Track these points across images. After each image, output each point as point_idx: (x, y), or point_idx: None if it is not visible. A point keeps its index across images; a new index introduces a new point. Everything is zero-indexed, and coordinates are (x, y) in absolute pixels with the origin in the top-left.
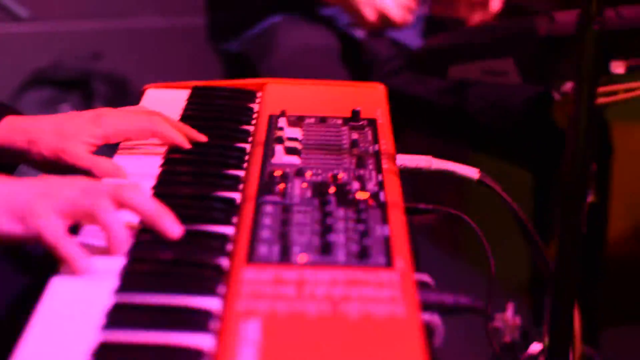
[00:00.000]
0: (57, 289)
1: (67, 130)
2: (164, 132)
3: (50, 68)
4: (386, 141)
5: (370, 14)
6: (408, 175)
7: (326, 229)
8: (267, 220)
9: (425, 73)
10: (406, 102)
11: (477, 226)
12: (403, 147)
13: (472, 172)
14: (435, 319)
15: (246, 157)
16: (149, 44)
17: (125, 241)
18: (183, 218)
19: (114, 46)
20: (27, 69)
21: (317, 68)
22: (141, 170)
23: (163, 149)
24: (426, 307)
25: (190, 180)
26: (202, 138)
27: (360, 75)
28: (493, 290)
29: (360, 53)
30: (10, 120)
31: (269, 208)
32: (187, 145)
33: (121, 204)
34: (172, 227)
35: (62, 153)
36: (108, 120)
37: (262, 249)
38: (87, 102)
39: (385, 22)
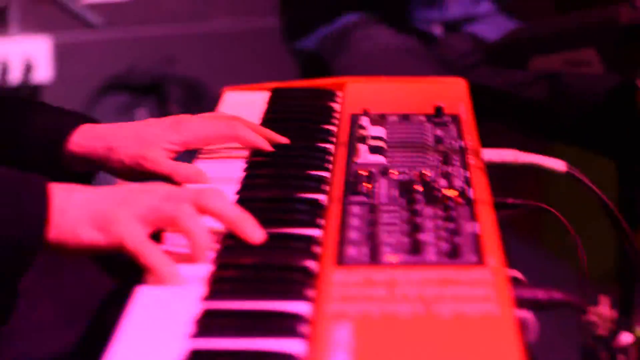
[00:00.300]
0: (143, 298)
1: (147, 137)
2: (245, 136)
3: (125, 74)
4: (471, 137)
5: None
6: (491, 170)
7: (415, 228)
8: (354, 221)
9: (506, 66)
10: (486, 96)
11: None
12: (484, 141)
13: (559, 165)
14: (529, 315)
15: (330, 158)
16: (222, 46)
17: (208, 247)
18: (267, 221)
19: (188, 50)
20: (102, 76)
21: (394, 67)
22: (223, 174)
23: (245, 153)
24: (520, 303)
25: (274, 182)
26: (284, 140)
27: (438, 73)
28: (585, 283)
29: (437, 50)
30: (88, 127)
31: (355, 209)
32: (269, 148)
33: (203, 210)
34: (253, 231)
35: (142, 160)
36: (188, 127)
37: (351, 251)
38: (162, 106)
39: None
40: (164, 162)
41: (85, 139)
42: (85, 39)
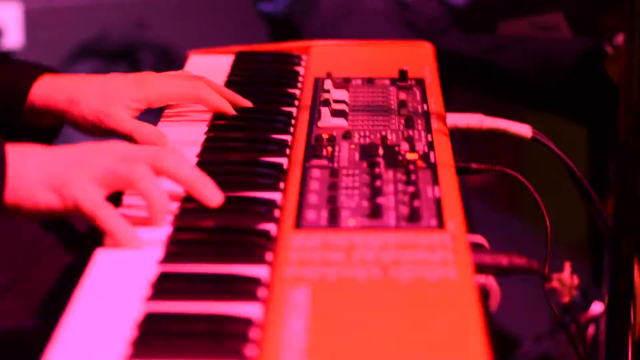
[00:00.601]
0: (101, 261)
1: (110, 92)
2: (208, 98)
3: (97, 40)
4: (435, 101)
5: None
6: (460, 136)
7: (375, 192)
8: (314, 185)
9: (474, 30)
10: (455, 61)
11: (532, 185)
12: (453, 106)
13: (524, 130)
14: (490, 281)
15: (292, 122)
16: (194, 11)
17: (166, 209)
18: (229, 185)
19: (159, 15)
20: (73, 42)
21: (363, 29)
22: (185, 137)
23: (208, 116)
24: (481, 269)
25: (236, 146)
26: (247, 103)
27: (407, 36)
28: (549, 250)
29: (406, 13)
30: (49, 79)
31: (316, 172)
32: (231, 112)
33: (159, 171)
34: (212, 194)
35: (104, 116)
36: (152, 84)
37: (310, 214)
38: (134, 72)
39: None
40: (125, 121)
41: (46, 90)
42: (55, 4)
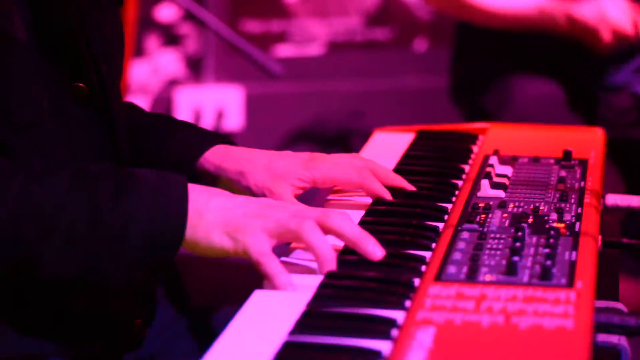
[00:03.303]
0: (257, 299)
1: (278, 169)
2: (371, 187)
3: (312, 125)
4: (594, 179)
5: (605, 33)
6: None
7: (514, 252)
8: (461, 245)
9: None
10: None
11: None
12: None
13: None
14: (622, 341)
15: (456, 192)
16: (407, 102)
17: (332, 258)
18: (386, 242)
19: (373, 103)
20: (290, 126)
21: (551, 119)
22: (353, 202)
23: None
24: (610, 329)
25: (399, 210)
26: (411, 188)
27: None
28: None
29: (596, 105)
30: (223, 148)
31: (465, 235)
32: (389, 198)
33: (326, 228)
34: (374, 249)
35: (268, 192)
36: (320, 166)
37: (451, 269)
38: None
39: (620, 38)
40: (288, 200)
41: (219, 158)
42: (275, 90)
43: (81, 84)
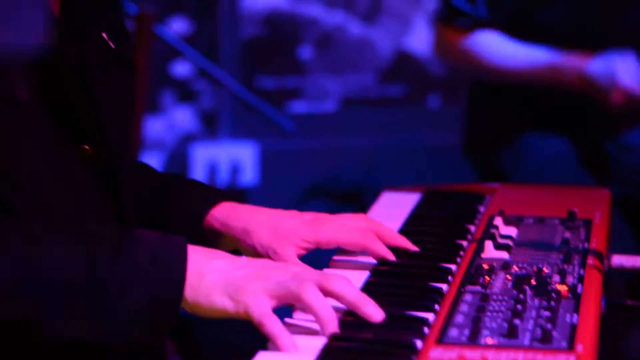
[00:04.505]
0: None
1: (283, 230)
2: (374, 249)
3: (327, 181)
4: (598, 240)
5: (615, 93)
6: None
7: (515, 315)
8: (464, 307)
9: None
10: None
11: None
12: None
13: None
14: None
15: (461, 253)
16: (422, 158)
17: (333, 319)
18: (390, 304)
19: (388, 159)
20: (304, 182)
21: (563, 178)
22: (358, 261)
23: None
24: None
25: (402, 271)
26: (415, 249)
27: (607, 184)
28: None
29: (609, 163)
30: (230, 206)
31: (468, 297)
32: (392, 259)
33: (327, 291)
34: (374, 312)
35: (272, 253)
36: (324, 228)
37: (453, 332)
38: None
39: (631, 99)
40: (291, 261)
41: (225, 216)
42: (290, 146)
43: (86, 146)
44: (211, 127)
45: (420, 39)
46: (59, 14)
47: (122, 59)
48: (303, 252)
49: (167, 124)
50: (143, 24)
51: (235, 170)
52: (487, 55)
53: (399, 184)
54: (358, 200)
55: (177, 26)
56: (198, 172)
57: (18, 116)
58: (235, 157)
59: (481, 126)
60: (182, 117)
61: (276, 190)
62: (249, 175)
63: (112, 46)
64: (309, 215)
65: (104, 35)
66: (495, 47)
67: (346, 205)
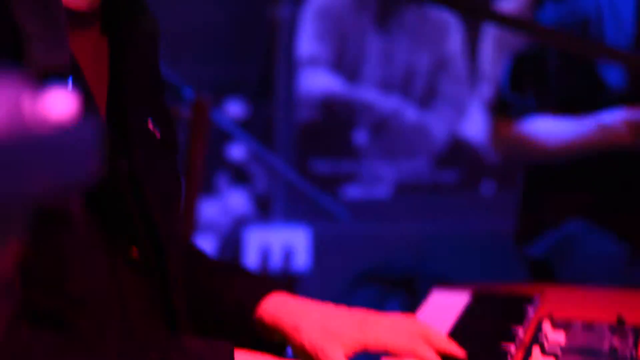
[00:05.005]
0: None
1: (331, 328)
2: (422, 355)
3: (378, 268)
4: None
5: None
6: None
7: None
8: None
9: None
10: None
11: None
12: None
13: None
14: None
15: (509, 358)
16: (469, 247)
17: None
18: None
19: (436, 248)
20: (356, 268)
21: (612, 278)
22: None
23: None
24: None
25: None
26: (462, 355)
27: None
28: None
29: None
30: (280, 298)
31: None
32: None
33: None
34: None
35: (320, 353)
36: (374, 330)
37: None
38: (412, 300)
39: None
40: None
41: (275, 309)
42: (343, 230)
43: (135, 249)
44: (265, 210)
45: (474, 125)
46: (106, 110)
47: (166, 143)
48: (351, 353)
49: (221, 206)
50: (199, 110)
51: (287, 254)
52: (537, 134)
53: (451, 272)
54: (409, 287)
55: (234, 109)
56: (251, 256)
57: (70, 231)
58: (288, 241)
59: (531, 217)
60: (237, 200)
61: (328, 275)
62: (302, 259)
63: (158, 136)
64: (358, 315)
65: (150, 123)
66: (544, 125)
67: (397, 291)
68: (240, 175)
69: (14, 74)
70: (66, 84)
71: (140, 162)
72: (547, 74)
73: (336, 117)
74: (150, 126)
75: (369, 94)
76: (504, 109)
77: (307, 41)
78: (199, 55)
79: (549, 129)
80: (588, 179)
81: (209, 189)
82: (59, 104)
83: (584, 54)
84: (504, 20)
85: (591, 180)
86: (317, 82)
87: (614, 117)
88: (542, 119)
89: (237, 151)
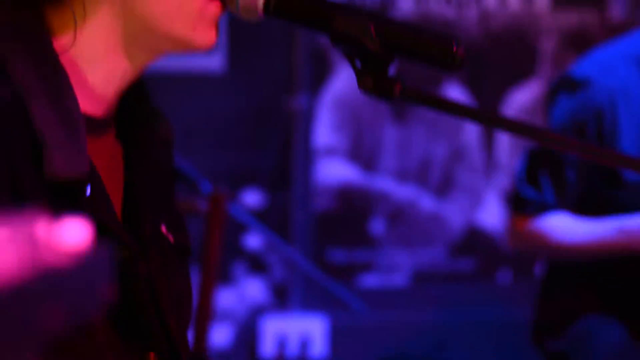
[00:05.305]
0: None
1: None
2: None
3: (396, 356)
4: None
5: None
6: None
7: None
8: None
9: None
10: None
11: None
12: None
13: None
14: None
15: None
16: (489, 334)
17: None
18: None
19: (458, 338)
20: (374, 356)
21: None
22: None
23: None
24: None
25: None
26: None
27: None
28: None
29: None
30: None
31: None
32: None
33: None
34: None
35: None
36: None
37: None
38: None
39: None
40: None
41: None
42: (360, 320)
43: (152, 355)
44: (282, 299)
45: (491, 214)
46: (122, 215)
47: (179, 248)
48: None
49: (237, 295)
50: (216, 204)
51: (304, 343)
52: (554, 234)
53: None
54: None
55: (250, 198)
56: (267, 345)
57: (90, 339)
58: (304, 330)
59: (550, 307)
60: (253, 289)
61: None
62: (318, 349)
63: (172, 241)
64: None
65: (164, 228)
66: (562, 224)
67: None
68: (256, 264)
69: (27, 206)
70: (85, 191)
71: (156, 267)
72: (564, 168)
73: (352, 206)
74: (164, 230)
75: (385, 184)
76: (521, 205)
77: (324, 131)
78: (216, 145)
79: (566, 229)
80: (610, 271)
81: (225, 277)
82: (74, 233)
83: (599, 161)
84: (516, 128)
85: (613, 273)
86: (334, 171)
87: (637, 223)
88: (560, 217)
89: (253, 240)
